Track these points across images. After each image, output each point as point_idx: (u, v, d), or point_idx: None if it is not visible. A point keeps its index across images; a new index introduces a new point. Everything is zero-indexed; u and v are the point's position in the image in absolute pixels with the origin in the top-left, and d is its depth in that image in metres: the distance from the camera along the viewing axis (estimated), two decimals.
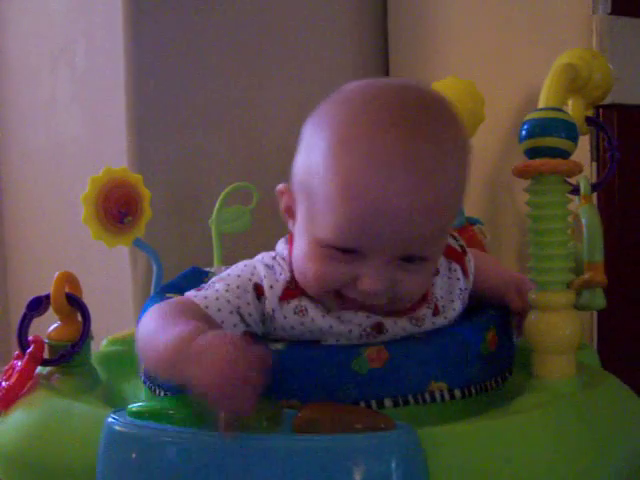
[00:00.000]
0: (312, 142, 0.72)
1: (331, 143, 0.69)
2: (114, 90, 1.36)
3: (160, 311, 0.72)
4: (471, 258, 0.86)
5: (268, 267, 0.77)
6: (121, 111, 1.33)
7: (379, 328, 0.73)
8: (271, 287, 0.75)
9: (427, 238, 0.69)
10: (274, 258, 0.79)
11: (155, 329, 0.69)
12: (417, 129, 0.67)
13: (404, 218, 0.66)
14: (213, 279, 0.78)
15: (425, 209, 0.67)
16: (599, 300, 0.75)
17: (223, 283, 0.76)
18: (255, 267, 0.77)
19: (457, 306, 0.79)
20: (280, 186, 0.79)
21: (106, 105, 1.45)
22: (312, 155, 0.72)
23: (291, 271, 0.76)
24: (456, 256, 0.83)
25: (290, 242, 0.80)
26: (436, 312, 0.77)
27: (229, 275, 0.77)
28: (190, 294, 0.76)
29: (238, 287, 0.75)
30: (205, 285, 0.77)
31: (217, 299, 0.74)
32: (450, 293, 0.80)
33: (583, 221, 0.72)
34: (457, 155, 0.70)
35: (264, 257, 0.80)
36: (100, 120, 1.51)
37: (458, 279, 0.81)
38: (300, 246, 0.74)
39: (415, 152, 0.66)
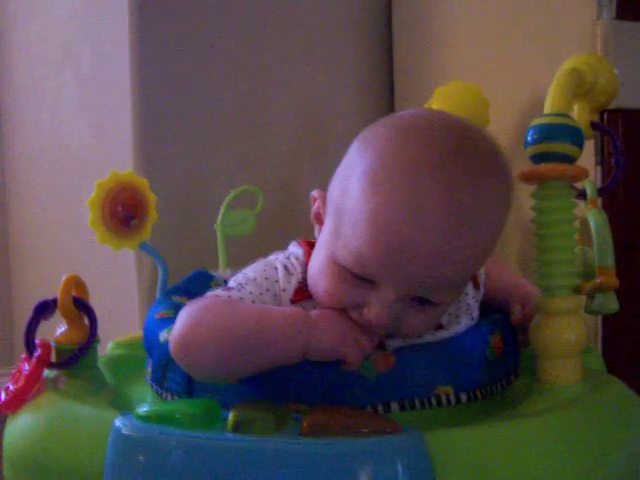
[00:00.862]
0: (355, 162, 0.71)
1: (373, 170, 0.68)
2: (120, 94, 1.36)
3: (229, 305, 0.73)
4: (482, 270, 0.85)
5: (284, 267, 0.78)
6: (127, 115, 1.33)
7: (380, 344, 0.73)
8: (284, 290, 0.76)
9: (446, 286, 0.69)
10: (288, 258, 0.80)
11: (243, 319, 0.70)
12: (463, 178, 0.65)
13: (428, 262, 0.66)
14: (239, 280, 0.78)
15: (451, 259, 0.66)
16: (612, 304, 0.75)
17: (253, 286, 0.76)
18: (276, 268, 0.78)
19: (463, 320, 0.79)
20: (314, 192, 0.79)
21: (112, 109, 1.46)
22: (351, 175, 0.70)
23: (303, 272, 0.77)
24: None
25: (303, 245, 0.81)
26: (438, 327, 0.77)
27: (256, 279, 0.77)
28: (221, 293, 0.75)
29: (268, 290, 0.76)
30: (233, 286, 0.77)
31: (253, 302, 0.75)
32: (457, 309, 0.79)
33: (591, 225, 0.72)
34: (497, 212, 0.69)
35: (278, 257, 0.81)
36: (106, 124, 1.51)
37: (467, 294, 0.81)
38: (318, 257, 0.74)
39: (455, 202, 0.65)
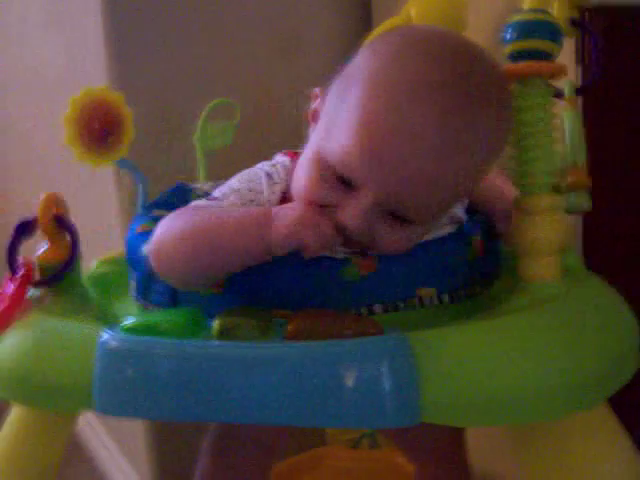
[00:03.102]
0: (359, 66, 0.71)
1: (375, 77, 0.67)
2: (90, 8, 1.33)
3: (197, 210, 0.74)
4: None
5: (268, 175, 0.78)
6: (98, 30, 1.30)
7: (362, 250, 0.73)
8: (268, 200, 0.76)
9: (424, 207, 0.69)
10: (274, 166, 0.80)
11: (205, 219, 0.71)
12: (461, 103, 0.65)
13: (410, 177, 0.65)
14: (223, 190, 0.78)
15: (434, 181, 0.66)
16: (584, 203, 0.75)
17: (236, 196, 0.77)
18: (260, 177, 0.78)
19: (446, 230, 0.78)
20: (316, 89, 0.78)
21: (82, 25, 1.42)
22: (353, 78, 0.70)
23: (288, 181, 0.77)
24: None
25: (290, 154, 0.81)
26: None
27: (239, 190, 0.77)
28: (205, 203, 0.76)
29: (252, 201, 0.77)
30: (217, 195, 0.78)
31: None
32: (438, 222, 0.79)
33: (565, 125, 0.72)
34: (490, 143, 0.69)
35: (264, 165, 0.81)
36: (77, 40, 1.48)
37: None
38: (306, 154, 0.74)
39: (448, 125, 0.64)
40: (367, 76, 0.68)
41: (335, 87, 0.74)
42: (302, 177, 0.72)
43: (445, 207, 0.73)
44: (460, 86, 0.66)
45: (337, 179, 0.69)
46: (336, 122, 0.70)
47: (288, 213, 0.67)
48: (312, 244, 0.66)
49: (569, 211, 0.74)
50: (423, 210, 0.69)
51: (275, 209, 0.69)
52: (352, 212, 0.67)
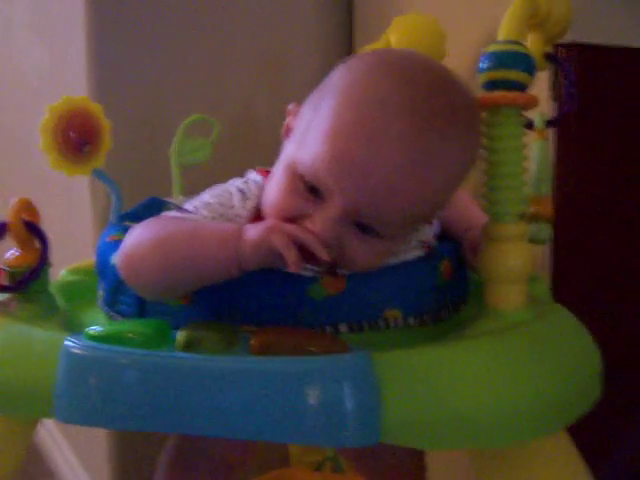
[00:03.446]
0: (333, 82, 0.72)
1: (348, 90, 0.69)
2: (73, 18, 1.33)
3: (168, 220, 0.74)
4: None
5: (240, 191, 0.79)
6: (81, 40, 1.30)
7: (332, 269, 0.72)
8: (238, 215, 0.77)
9: (391, 221, 0.69)
10: (246, 182, 0.80)
11: (177, 230, 0.71)
12: (431, 120, 0.66)
13: (377, 190, 0.66)
14: (194, 204, 0.79)
15: (400, 195, 0.67)
16: (544, 234, 0.76)
17: (208, 210, 0.77)
18: (231, 192, 0.79)
19: (415, 253, 0.79)
20: (291, 105, 0.79)
21: (65, 34, 1.42)
22: (326, 92, 0.71)
23: (260, 197, 0.77)
24: None
25: (262, 172, 0.81)
26: None
27: (210, 203, 0.77)
28: (175, 215, 0.77)
29: (222, 215, 0.77)
30: (189, 208, 0.78)
31: None
32: (407, 242, 0.79)
33: (532, 155, 0.73)
34: (457, 163, 0.70)
35: (236, 182, 0.81)
36: (59, 50, 1.48)
37: (417, 230, 0.80)
38: (278, 167, 0.75)
39: (416, 140, 0.66)
40: (340, 89, 0.70)
41: (309, 101, 0.75)
42: (273, 188, 0.73)
43: (414, 222, 0.73)
44: (429, 104, 0.67)
45: (307, 189, 0.70)
46: (308, 133, 0.71)
47: (256, 226, 0.68)
48: (279, 244, 0.65)
49: (531, 242, 0.76)
50: (390, 223, 0.70)
51: (247, 226, 0.69)
52: (320, 221, 0.68)
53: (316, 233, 0.67)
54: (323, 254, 0.66)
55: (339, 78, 0.72)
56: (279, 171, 0.74)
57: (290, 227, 0.67)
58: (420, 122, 0.66)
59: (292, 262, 0.64)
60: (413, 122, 0.66)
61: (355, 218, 0.69)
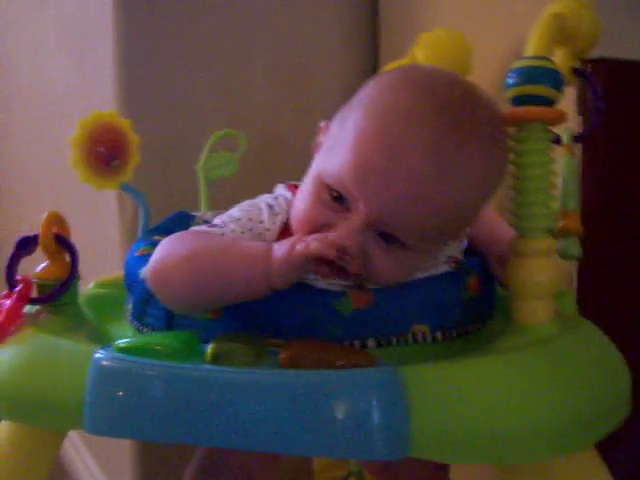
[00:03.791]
0: (360, 96, 0.74)
1: (374, 103, 0.71)
2: (102, 34, 1.35)
3: (198, 235, 0.75)
4: None
5: (270, 207, 0.79)
6: (109, 55, 1.32)
7: (360, 285, 0.73)
8: (268, 230, 0.77)
9: (415, 230, 0.70)
10: (276, 198, 0.81)
11: (208, 246, 0.72)
12: (455, 133, 0.67)
13: (399, 198, 0.67)
14: (223, 218, 0.79)
15: (422, 204, 0.68)
16: (574, 249, 0.76)
17: (236, 225, 0.77)
18: (260, 208, 0.79)
19: (442, 269, 0.79)
20: (322, 122, 0.80)
21: (94, 50, 1.44)
22: (354, 107, 0.73)
23: (289, 212, 0.78)
24: None
25: (291, 188, 0.82)
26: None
27: (240, 219, 0.78)
28: (204, 229, 0.77)
29: (251, 230, 0.77)
30: (216, 223, 0.78)
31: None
32: (435, 258, 0.79)
33: (559, 170, 0.73)
34: (482, 177, 0.70)
35: (266, 197, 0.82)
36: (88, 64, 1.50)
37: (446, 245, 0.81)
38: (305, 182, 0.76)
39: (437, 150, 0.67)
40: (365, 103, 0.72)
41: (338, 116, 0.76)
42: (301, 201, 0.74)
43: (438, 235, 0.73)
44: (452, 115, 0.68)
45: (333, 199, 0.71)
46: (335, 145, 0.72)
47: (284, 245, 0.68)
48: (315, 249, 0.65)
49: (560, 256, 0.75)
50: (413, 232, 0.70)
51: (275, 245, 0.69)
52: (344, 230, 0.69)
53: (342, 245, 0.67)
54: (351, 266, 0.66)
55: (366, 93, 0.74)
56: (307, 184, 0.75)
57: (316, 243, 0.67)
58: (442, 132, 0.67)
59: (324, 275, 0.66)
60: (435, 131, 0.67)
61: (378, 227, 0.69)
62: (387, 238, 0.70)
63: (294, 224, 0.75)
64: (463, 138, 0.68)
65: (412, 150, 0.66)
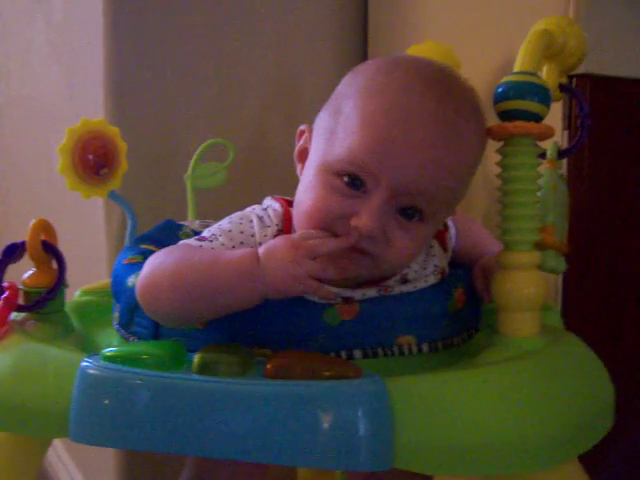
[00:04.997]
0: (346, 88, 0.76)
1: (365, 87, 0.73)
2: (91, 42, 1.35)
3: (188, 250, 0.74)
4: (452, 231, 0.87)
5: (260, 219, 0.79)
6: (99, 64, 1.31)
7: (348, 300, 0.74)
8: (260, 243, 0.76)
9: (429, 195, 0.71)
10: (265, 209, 0.81)
11: (197, 261, 0.71)
12: (448, 99, 0.71)
13: (414, 164, 0.69)
14: (213, 231, 0.79)
15: (436, 166, 0.70)
16: (551, 262, 0.76)
17: (226, 238, 0.77)
18: (251, 220, 0.79)
19: (430, 280, 0.80)
20: (302, 126, 0.81)
21: (83, 57, 1.44)
22: (344, 97, 0.74)
23: (279, 224, 0.78)
24: (437, 232, 0.83)
25: (279, 200, 0.82)
26: (404, 281, 0.79)
27: (230, 230, 0.78)
28: (194, 243, 0.76)
29: (242, 243, 0.77)
30: (206, 236, 0.78)
31: None
32: (424, 269, 0.81)
33: (540, 183, 0.74)
34: (477, 138, 0.74)
35: (255, 209, 0.82)
36: (77, 72, 1.50)
37: (434, 255, 0.82)
38: (307, 179, 0.75)
39: (440, 115, 0.70)
40: (358, 88, 0.73)
41: (324, 113, 0.77)
42: (307, 199, 0.74)
43: (452, 198, 0.75)
44: (442, 84, 0.72)
45: (346, 185, 0.71)
46: (334, 134, 0.73)
47: (277, 267, 0.67)
48: (315, 292, 0.68)
49: (547, 271, 0.76)
50: (432, 198, 0.71)
51: (262, 254, 0.68)
52: (366, 214, 0.70)
53: (363, 228, 0.69)
54: (374, 247, 0.70)
55: (350, 83, 0.76)
56: (310, 177, 0.75)
57: (319, 272, 0.67)
58: (439, 100, 0.70)
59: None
60: (434, 100, 0.70)
61: (399, 200, 0.71)
62: (407, 213, 0.72)
63: (300, 220, 0.75)
64: (457, 104, 0.72)
65: (421, 119, 0.69)
